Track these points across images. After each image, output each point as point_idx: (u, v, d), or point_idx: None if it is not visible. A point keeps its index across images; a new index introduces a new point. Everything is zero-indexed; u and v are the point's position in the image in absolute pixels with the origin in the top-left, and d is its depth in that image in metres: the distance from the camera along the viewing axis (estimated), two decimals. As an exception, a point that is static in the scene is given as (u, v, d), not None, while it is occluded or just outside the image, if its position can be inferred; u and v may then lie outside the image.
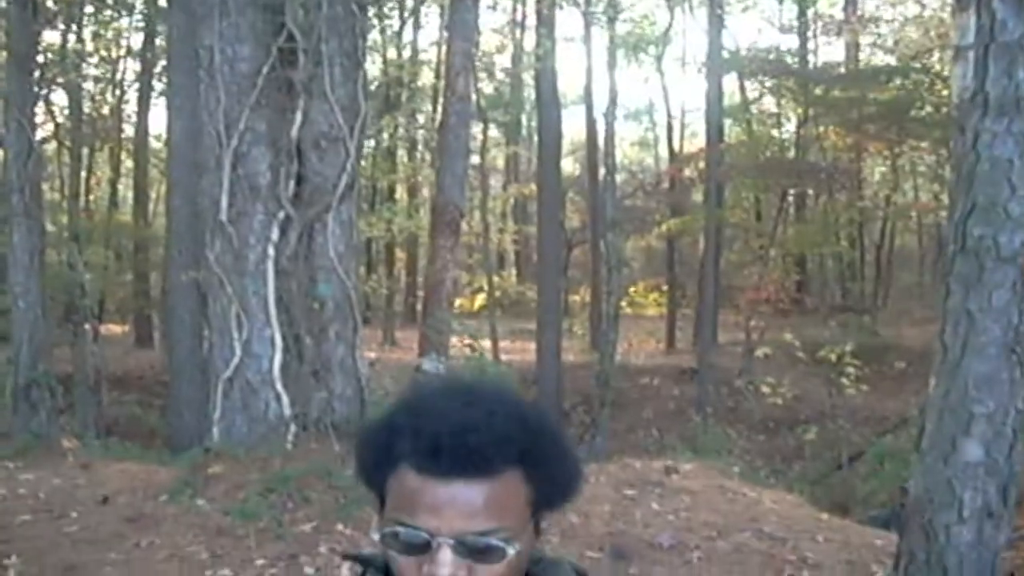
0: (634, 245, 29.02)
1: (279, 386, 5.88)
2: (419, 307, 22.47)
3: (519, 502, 1.05)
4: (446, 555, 1.01)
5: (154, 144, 20.76)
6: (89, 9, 17.25)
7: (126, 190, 24.74)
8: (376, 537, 1.07)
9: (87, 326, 12.44)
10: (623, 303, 16.68)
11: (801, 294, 19.16)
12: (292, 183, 6.04)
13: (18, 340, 8.05)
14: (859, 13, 22.22)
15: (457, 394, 1.08)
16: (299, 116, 6.04)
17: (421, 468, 1.02)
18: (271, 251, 5.94)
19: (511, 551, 1.03)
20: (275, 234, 5.96)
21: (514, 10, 21.47)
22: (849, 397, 11.57)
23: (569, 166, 25.38)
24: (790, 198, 19.99)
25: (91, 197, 22.72)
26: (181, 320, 10.07)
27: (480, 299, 21.62)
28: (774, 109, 22.21)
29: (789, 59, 20.44)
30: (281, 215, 5.99)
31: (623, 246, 18.32)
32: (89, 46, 19.05)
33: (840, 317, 16.71)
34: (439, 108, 11.15)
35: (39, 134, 10.42)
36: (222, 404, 6.04)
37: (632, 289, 24.47)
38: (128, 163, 22.34)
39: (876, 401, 14.13)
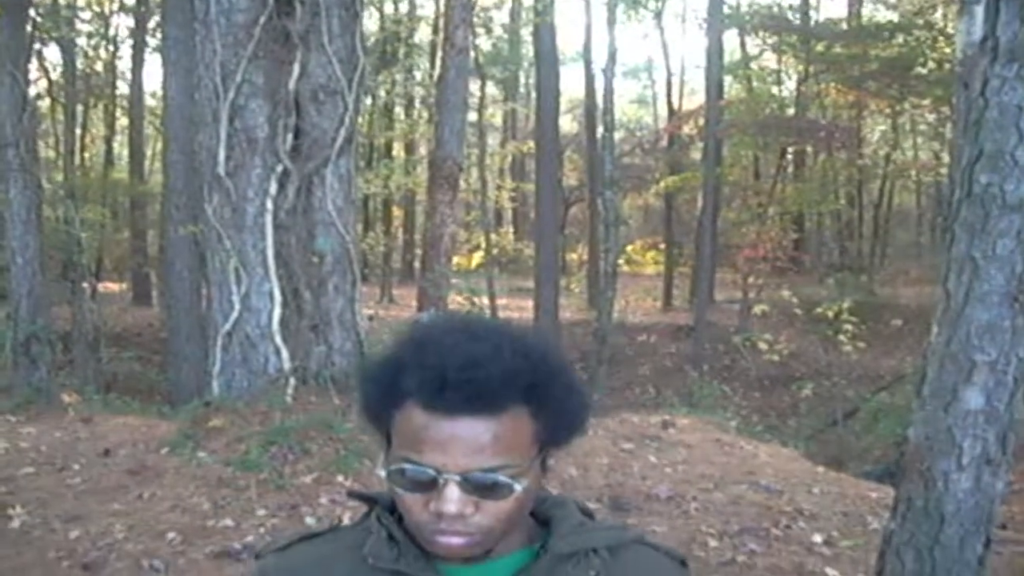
0: (632, 203, 29.01)
1: (278, 340, 5.89)
2: (417, 264, 22.52)
3: (526, 438, 1.04)
4: (453, 492, 1.00)
5: (149, 101, 20.60)
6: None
7: (121, 147, 24.60)
8: (383, 474, 1.06)
9: (85, 284, 12.41)
10: (620, 261, 16.65)
11: (798, 253, 19.12)
12: (290, 136, 5.99)
13: (16, 295, 8.04)
14: (862, -32, 21.96)
15: (463, 330, 1.06)
16: (297, 68, 5.98)
17: (427, 405, 1.01)
18: (269, 205, 5.91)
19: (518, 487, 1.02)
20: (273, 188, 5.93)
21: (513, -36, 21.19)
22: (845, 354, 11.63)
23: (567, 124, 25.24)
24: (789, 156, 19.92)
25: (86, 155, 22.59)
26: (179, 276, 10.08)
27: (478, 257, 21.57)
28: (775, 66, 22.04)
29: (790, 15, 20.24)
30: (279, 169, 5.95)
31: (621, 204, 18.28)
32: (81, 1, 18.81)
33: (837, 276, 16.73)
34: (437, 64, 11.03)
35: (32, 90, 10.30)
36: (221, 358, 6.06)
37: (630, 247, 24.46)
38: (123, 120, 22.17)
39: (871, 359, 14.23)
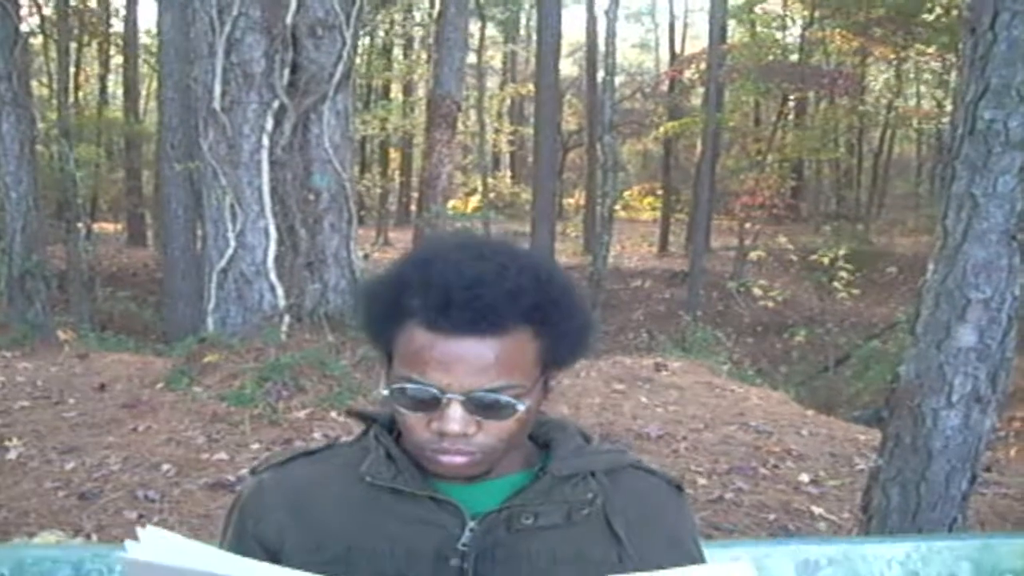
0: (630, 149, 28.82)
1: (273, 277, 5.88)
2: (413, 207, 22.41)
3: (529, 359, 1.03)
4: (456, 411, 1.00)
5: (144, 39, 20.29)
6: None
7: (116, 86, 24.27)
8: (385, 392, 1.06)
9: (80, 224, 12.34)
10: (617, 206, 16.61)
11: (796, 201, 19.07)
12: (287, 71, 5.91)
13: (11, 231, 7.99)
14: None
15: (468, 248, 1.05)
16: (294, 2, 5.88)
17: (431, 324, 1.00)
18: (265, 141, 5.86)
19: (520, 407, 1.02)
20: (269, 124, 5.87)
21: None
22: (839, 302, 11.67)
23: (568, 67, 24.91)
24: (791, 103, 19.72)
25: (80, 93, 22.30)
26: (175, 215, 10.03)
27: (474, 200, 21.48)
28: (779, 11, 21.69)
29: (796, -42, 19.86)
30: (276, 104, 5.88)
31: (620, 149, 18.16)
32: (73, -68, 18.38)
33: (834, 224, 16.71)
34: (436, 1, 10.86)
35: (24, 27, 10.08)
36: (216, 295, 6.06)
37: (627, 193, 24.35)
38: (117, 59, 21.85)
39: (865, 307, 14.28)
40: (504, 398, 1.01)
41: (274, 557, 1.09)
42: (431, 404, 1.01)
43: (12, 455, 4.47)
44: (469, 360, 0.99)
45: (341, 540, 1.07)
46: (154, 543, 0.81)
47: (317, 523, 1.09)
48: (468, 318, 0.99)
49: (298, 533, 1.09)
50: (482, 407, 1.01)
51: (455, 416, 1.00)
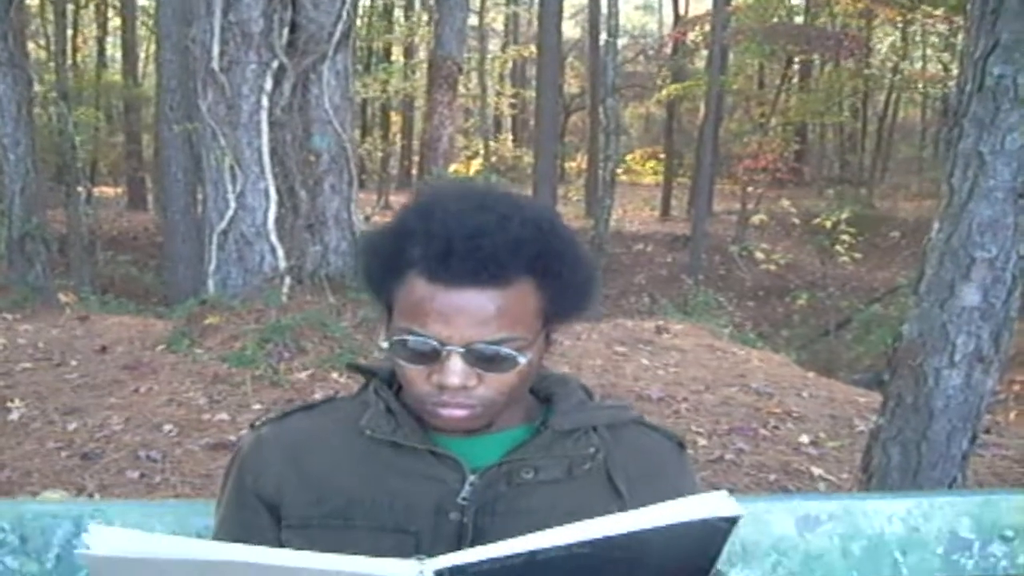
0: (633, 112, 28.63)
1: (274, 238, 5.86)
2: (414, 171, 22.33)
3: (531, 311, 1.01)
4: (456, 363, 0.98)
5: (141, 0, 20.07)
6: None
7: (114, 49, 24.06)
8: (384, 345, 1.04)
9: (80, 187, 12.30)
10: (619, 170, 16.52)
11: (799, 165, 18.95)
12: (286, 31, 5.84)
13: (10, 193, 7.96)
14: None
15: (470, 198, 1.03)
16: (292, -41, 5.80)
17: (432, 275, 0.98)
18: (265, 102, 5.80)
19: (522, 360, 1.01)
20: (269, 84, 5.81)
21: None
22: (840, 266, 11.66)
23: (570, 29, 24.68)
24: (795, 65, 19.54)
25: (78, 56, 22.10)
26: (174, 177, 10.00)
27: (476, 164, 21.38)
28: (784, -28, 21.42)
29: (803, -83, 19.58)
30: (275, 64, 5.81)
31: (622, 112, 18.02)
32: None
33: (837, 188, 16.63)
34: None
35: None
36: (217, 256, 6.04)
37: (629, 157, 24.23)
38: (115, 21, 21.63)
39: (867, 271, 14.27)
40: (505, 350, 0.99)
41: (273, 511, 1.09)
42: (431, 356, 1.00)
43: (15, 416, 4.49)
44: (470, 312, 0.98)
45: (341, 494, 1.07)
46: (108, 540, 0.78)
47: (316, 477, 1.09)
48: (469, 269, 0.97)
49: (297, 487, 1.09)
50: (483, 359, 0.99)
51: (455, 369, 0.98)
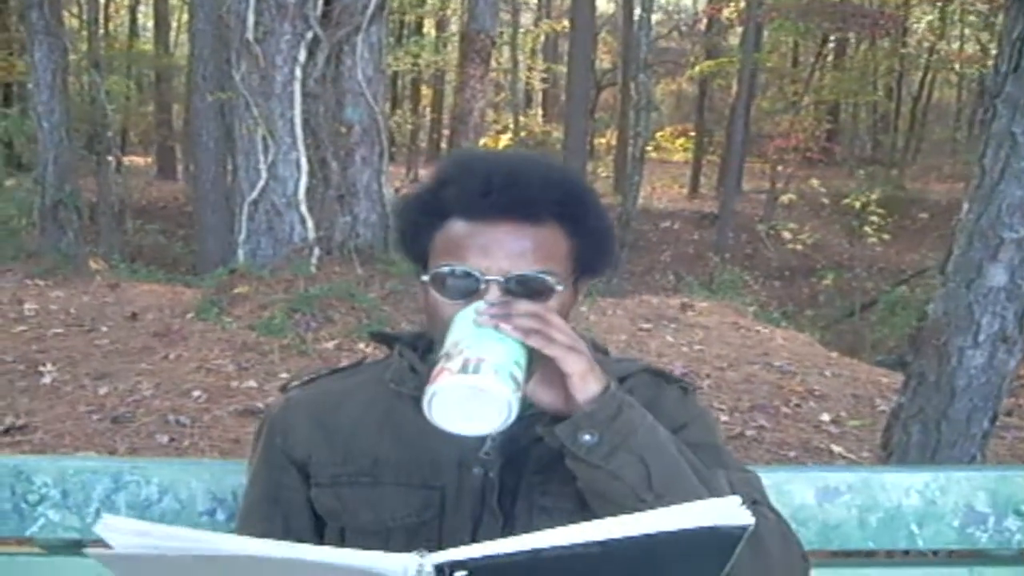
0: (665, 89, 28.35)
1: (304, 209, 5.91)
2: (443, 144, 22.29)
3: (562, 253, 1.06)
4: (494, 293, 1.01)
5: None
6: None
7: (146, 18, 24.17)
8: (425, 278, 1.07)
9: (110, 157, 12.40)
10: (649, 147, 16.42)
11: (831, 144, 18.71)
12: (321, 2, 5.86)
13: (43, 161, 8.05)
14: None
15: (502, 152, 1.11)
16: (328, -69, 5.81)
17: (470, 213, 1.04)
18: (298, 73, 5.84)
19: (558, 289, 1.04)
20: (303, 55, 5.84)
21: None
22: (868, 247, 11.54)
23: (603, 4, 24.44)
24: (830, 44, 19.26)
25: (110, 25, 22.22)
26: (205, 147, 10.05)
27: (505, 139, 21.32)
28: (821, -52, 21.06)
29: None
30: (309, 35, 5.84)
31: (654, 88, 17.87)
32: None
33: (868, 169, 16.43)
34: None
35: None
36: (247, 226, 6.10)
37: (659, 134, 24.06)
38: (147, -12, 21.74)
39: (895, 253, 14.12)
40: (544, 277, 1.03)
41: (302, 470, 1.13)
42: (470, 291, 1.03)
43: (47, 380, 4.59)
44: (507, 245, 1.03)
45: (367, 452, 1.10)
46: (123, 533, 0.77)
47: (343, 436, 1.12)
48: (506, 204, 1.02)
49: (325, 447, 1.12)
50: (520, 290, 1.02)
51: (494, 299, 1.01)
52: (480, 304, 0.97)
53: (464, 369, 0.88)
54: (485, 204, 1.03)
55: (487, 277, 1.02)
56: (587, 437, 0.93)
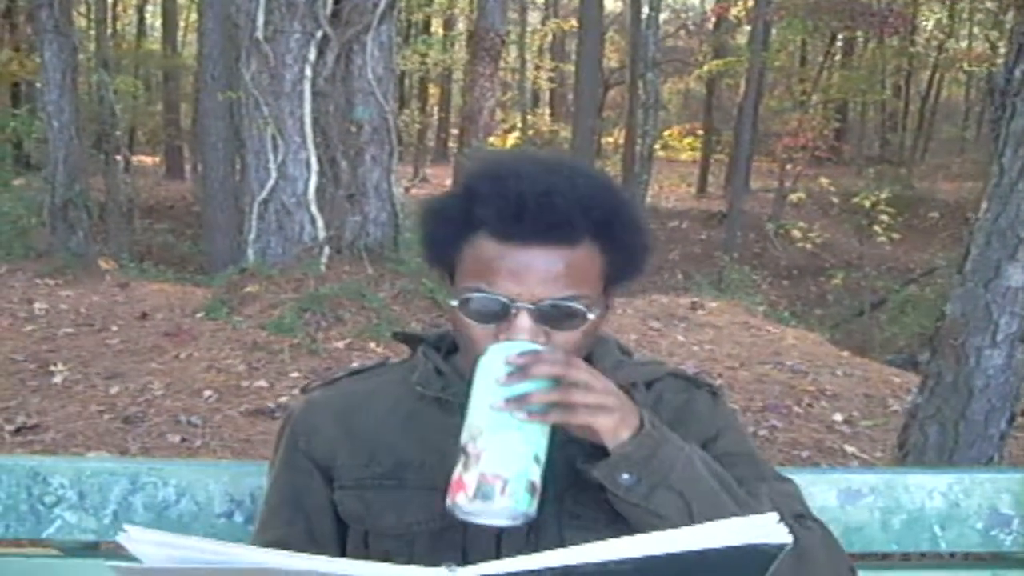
0: (672, 88, 28.32)
1: (314, 208, 5.90)
2: (451, 144, 22.29)
3: (595, 273, 1.03)
4: (525, 320, 0.98)
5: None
6: None
7: (154, 18, 24.23)
8: (454, 303, 1.04)
9: (118, 156, 12.42)
10: (657, 146, 16.39)
11: (839, 143, 18.68)
12: (331, 1, 5.85)
13: (53, 160, 8.05)
14: None
15: (536, 161, 1.04)
16: (338, -71, 5.80)
17: (503, 234, 0.99)
18: (308, 71, 5.82)
19: (591, 316, 1.01)
20: (312, 54, 5.82)
21: None
22: (877, 246, 11.51)
23: (611, 3, 24.41)
24: (838, 42, 19.20)
25: (118, 25, 22.27)
26: (213, 146, 10.06)
27: (512, 138, 21.30)
28: (829, -54, 20.98)
29: None
30: (319, 34, 5.82)
31: (661, 87, 17.84)
32: None
33: (876, 168, 16.38)
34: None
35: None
36: (257, 226, 6.09)
37: (667, 133, 24.01)
38: (155, -12, 21.78)
39: (904, 252, 14.09)
40: (576, 305, 1.00)
41: (325, 473, 1.11)
42: (500, 315, 1.00)
43: (58, 379, 4.59)
44: (539, 270, 0.99)
45: (391, 454, 1.09)
46: (147, 542, 0.75)
47: (367, 438, 1.11)
48: (541, 227, 0.98)
49: (349, 449, 1.11)
50: (552, 317, 1.00)
51: (524, 326, 0.98)
52: (504, 354, 0.95)
53: (478, 493, 0.90)
54: (517, 228, 0.99)
55: (518, 304, 0.99)
56: (625, 476, 0.93)
